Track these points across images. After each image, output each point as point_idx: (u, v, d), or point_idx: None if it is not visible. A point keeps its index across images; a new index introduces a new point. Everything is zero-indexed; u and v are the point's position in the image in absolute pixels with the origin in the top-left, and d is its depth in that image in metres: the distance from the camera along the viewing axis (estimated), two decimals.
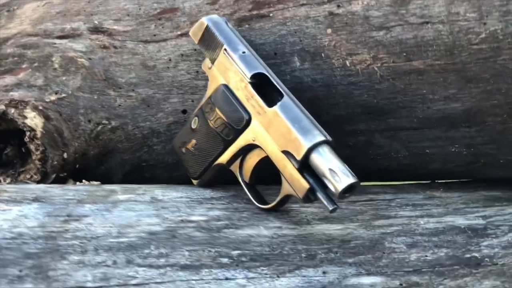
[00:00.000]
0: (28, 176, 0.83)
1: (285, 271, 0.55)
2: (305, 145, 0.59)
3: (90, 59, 0.85)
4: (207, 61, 0.73)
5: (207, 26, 0.72)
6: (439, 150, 0.72)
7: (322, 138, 0.60)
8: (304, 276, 0.55)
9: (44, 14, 0.93)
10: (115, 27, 0.86)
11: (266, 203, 0.66)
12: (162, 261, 0.55)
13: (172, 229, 0.59)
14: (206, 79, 0.80)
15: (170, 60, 0.82)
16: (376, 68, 0.68)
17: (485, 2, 0.60)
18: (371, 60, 0.68)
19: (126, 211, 0.62)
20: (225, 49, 0.70)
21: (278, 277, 0.55)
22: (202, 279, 0.53)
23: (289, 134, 0.61)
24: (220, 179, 0.75)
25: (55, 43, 0.87)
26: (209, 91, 0.72)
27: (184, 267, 0.54)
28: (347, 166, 0.58)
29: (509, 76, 0.61)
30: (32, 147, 0.80)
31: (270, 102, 0.65)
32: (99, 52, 0.85)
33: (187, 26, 0.80)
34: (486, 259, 0.59)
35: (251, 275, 0.54)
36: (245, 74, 0.67)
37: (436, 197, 0.71)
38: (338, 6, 0.69)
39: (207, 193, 0.71)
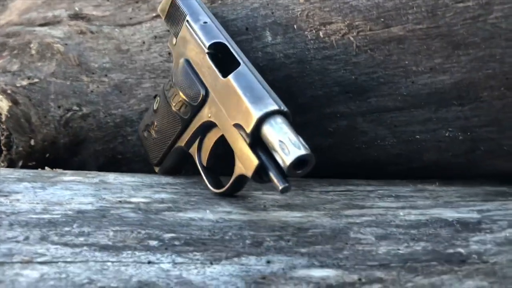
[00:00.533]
0: None
1: (221, 258, 0.47)
2: (255, 114, 0.51)
3: (66, 44, 0.81)
4: (172, 38, 0.67)
5: (172, 0, 0.66)
6: (430, 135, 0.62)
7: (274, 107, 0.52)
8: (243, 265, 0.46)
9: (31, 4, 0.91)
10: (94, 12, 0.82)
11: (222, 187, 0.58)
12: (80, 239, 0.47)
13: (104, 209, 0.53)
14: None
15: (143, 42, 0.77)
16: (352, 38, 0.60)
17: None
18: (346, 28, 0.60)
19: (62, 190, 0.56)
20: (187, 21, 0.64)
21: (212, 263, 0.46)
22: (120, 261, 0.45)
23: (240, 104, 0.53)
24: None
25: (35, 30, 0.84)
26: (173, 68, 0.66)
27: (103, 248, 0.47)
28: (301, 138, 0.50)
29: (503, 38, 0.51)
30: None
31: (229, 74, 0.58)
32: (76, 38, 0.81)
33: None
34: (473, 255, 0.48)
35: (179, 259, 0.46)
36: (204, 44, 0.60)
37: (428, 190, 0.61)
38: None
39: (165, 179, 0.64)
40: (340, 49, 0.61)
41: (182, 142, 0.63)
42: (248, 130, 0.52)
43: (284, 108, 0.52)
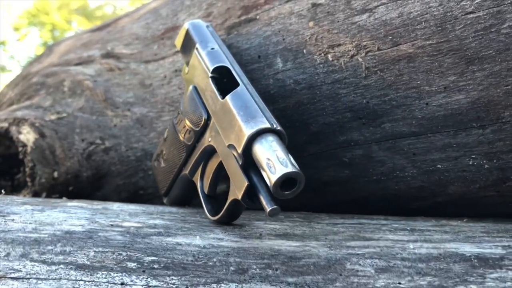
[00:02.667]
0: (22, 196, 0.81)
1: (199, 283, 0.43)
2: (246, 132, 0.49)
3: (95, 81, 0.84)
4: (184, 67, 0.67)
5: (187, 31, 0.67)
6: (453, 164, 0.56)
7: (266, 125, 0.49)
8: None
9: (71, 46, 0.96)
10: (124, 51, 0.85)
11: (217, 212, 0.55)
12: (59, 258, 0.46)
13: (92, 231, 0.51)
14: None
15: (165, 76, 0.78)
16: (360, 59, 0.56)
17: None
18: (354, 50, 0.57)
19: (59, 213, 0.56)
20: (196, 48, 0.63)
21: None
22: (93, 281, 0.43)
23: (234, 124, 0.51)
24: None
25: (70, 69, 0.88)
26: (183, 97, 0.66)
27: (79, 267, 0.45)
28: (291, 157, 0.46)
29: None
30: (26, 161, 0.79)
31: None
32: (105, 75, 0.84)
33: None
34: None
35: (154, 283, 0.43)
36: (208, 68, 0.59)
37: (450, 225, 0.54)
38: None
39: (169, 209, 0.61)
40: (349, 71, 0.58)
41: (186, 170, 0.61)
42: (240, 149, 0.49)
43: (277, 126, 0.49)
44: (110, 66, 0.84)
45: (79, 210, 0.57)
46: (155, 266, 0.45)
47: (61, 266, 0.45)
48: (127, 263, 0.46)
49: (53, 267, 0.45)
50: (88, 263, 0.45)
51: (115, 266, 0.45)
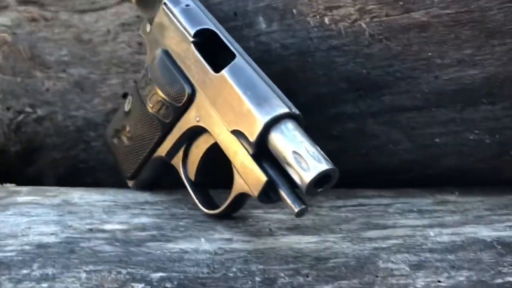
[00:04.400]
0: None
1: None
2: (261, 119, 0.42)
3: (14, 34, 0.68)
4: (146, 25, 0.56)
5: None
6: (452, 139, 0.54)
7: (284, 110, 0.42)
8: None
9: None
10: None
11: (216, 207, 0.48)
12: (44, 286, 0.36)
13: (71, 241, 0.42)
14: None
15: (108, 31, 0.65)
16: (364, 25, 0.51)
17: None
18: (357, 14, 0.51)
19: (17, 216, 0.45)
20: (164, 3, 0.53)
21: None
22: None
23: (240, 105, 0.43)
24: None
25: None
26: (148, 61, 0.55)
27: None
28: (319, 148, 0.40)
29: None
30: None
31: (222, 68, 0.48)
32: (27, 26, 0.69)
33: None
34: None
35: None
36: (188, 32, 0.50)
37: (451, 202, 0.53)
38: None
39: (143, 196, 0.53)
40: (350, 38, 0.52)
41: (162, 152, 0.52)
42: (252, 138, 0.42)
43: (295, 110, 0.43)
44: (32, 15, 0.69)
45: (39, 209, 0.47)
46: (168, 285, 0.38)
47: None
48: (132, 284, 0.38)
49: None
50: None
51: None
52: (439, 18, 0.48)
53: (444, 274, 0.41)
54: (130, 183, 0.57)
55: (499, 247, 0.44)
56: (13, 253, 0.39)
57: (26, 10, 0.70)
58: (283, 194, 0.41)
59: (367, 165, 0.59)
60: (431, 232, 0.46)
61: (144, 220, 0.46)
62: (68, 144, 0.69)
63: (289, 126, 0.41)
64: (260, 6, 0.56)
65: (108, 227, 0.44)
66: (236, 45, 0.49)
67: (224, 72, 0.46)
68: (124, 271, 0.39)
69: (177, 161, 0.51)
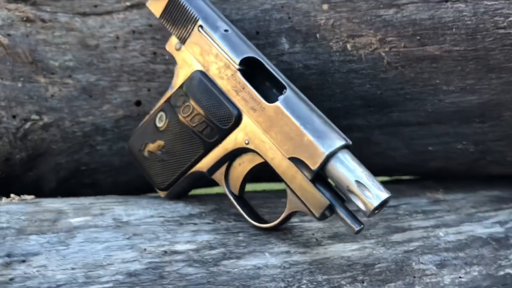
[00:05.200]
0: None
1: None
2: (323, 151, 0.48)
3: (9, 35, 0.65)
4: (173, 40, 0.58)
5: None
6: (443, 147, 0.64)
7: (342, 143, 0.49)
8: None
9: None
10: None
11: (262, 220, 0.54)
12: None
13: (155, 266, 0.45)
14: (167, 63, 0.65)
15: (117, 38, 0.65)
16: (383, 54, 0.58)
17: None
18: (378, 43, 0.57)
19: (89, 243, 0.47)
20: (200, 26, 0.55)
21: None
22: None
23: (300, 137, 0.49)
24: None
25: None
26: (179, 79, 0.58)
27: None
28: (374, 177, 0.48)
29: None
30: None
31: (264, 94, 0.53)
32: (21, 27, 0.66)
33: None
34: None
35: None
36: (232, 60, 0.53)
37: (441, 200, 0.64)
38: None
39: (182, 208, 0.57)
40: (369, 63, 0.58)
41: (203, 167, 0.56)
42: (314, 167, 0.48)
43: (348, 141, 0.49)
44: (25, 14, 0.66)
45: (103, 233, 0.49)
46: None
47: None
48: None
49: None
50: None
51: None
52: (450, 53, 0.56)
53: (462, 271, 0.51)
54: (163, 193, 0.60)
55: (493, 243, 0.56)
56: (110, 284, 0.42)
57: (18, 9, 0.67)
58: (342, 215, 0.48)
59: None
60: (440, 233, 0.56)
61: (206, 237, 0.50)
62: (73, 148, 0.69)
63: (347, 157, 0.48)
64: (284, 27, 0.60)
65: (179, 247, 0.48)
66: (280, 73, 0.53)
67: (280, 104, 0.50)
68: None
69: (219, 176, 0.56)
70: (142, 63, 0.65)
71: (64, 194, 0.73)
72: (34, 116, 0.66)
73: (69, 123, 0.67)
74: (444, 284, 0.50)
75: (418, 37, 0.56)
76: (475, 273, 0.51)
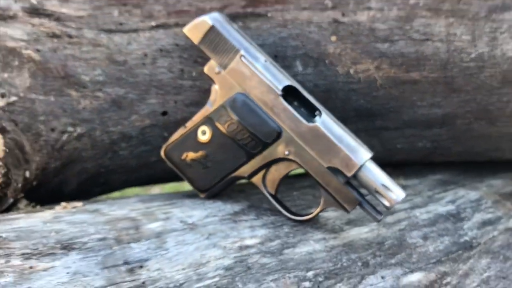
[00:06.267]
0: None
1: (356, 284, 0.60)
2: (357, 162, 0.63)
3: (38, 50, 0.69)
4: (212, 64, 0.67)
5: (212, 27, 0.66)
6: (408, 145, 0.83)
7: (369, 155, 0.64)
8: (372, 285, 0.60)
9: None
10: (64, 10, 0.71)
11: (295, 213, 0.68)
12: None
13: (241, 260, 0.57)
14: (194, 79, 0.74)
15: (145, 55, 0.72)
16: (377, 78, 0.73)
17: (478, 28, 0.70)
18: (374, 70, 0.73)
19: (182, 246, 0.57)
20: (242, 56, 0.66)
21: None
22: None
23: (336, 151, 0.63)
24: None
25: None
26: (220, 98, 0.67)
27: None
28: (393, 180, 0.64)
29: (486, 89, 0.74)
30: None
31: (297, 113, 0.65)
32: (48, 42, 0.70)
33: (163, 17, 0.72)
34: (473, 240, 0.73)
35: None
36: (275, 86, 0.65)
37: (406, 186, 0.83)
38: (343, 14, 0.71)
39: (223, 206, 0.68)
40: (365, 84, 0.74)
41: (243, 173, 0.68)
42: (350, 174, 0.63)
43: (372, 152, 0.65)
44: (51, 30, 0.71)
45: (186, 235, 0.59)
46: (320, 279, 0.58)
47: None
48: (302, 283, 0.57)
49: None
50: None
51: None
52: (426, 78, 0.73)
53: (438, 241, 0.71)
54: (203, 194, 0.71)
55: (451, 218, 0.76)
56: (217, 279, 0.54)
57: (43, 25, 0.70)
58: (368, 209, 0.64)
59: None
60: (417, 213, 0.75)
61: (262, 231, 0.63)
62: (99, 155, 0.75)
63: (372, 165, 0.64)
64: (298, 53, 0.73)
65: (248, 242, 0.60)
66: (313, 99, 0.66)
67: (319, 125, 0.64)
68: (291, 275, 0.57)
69: (257, 180, 0.68)
70: (170, 79, 0.73)
71: (79, 194, 0.79)
72: (70, 128, 0.71)
73: (100, 133, 0.73)
74: (430, 252, 0.69)
75: (404, 66, 0.73)
76: (447, 242, 0.71)
